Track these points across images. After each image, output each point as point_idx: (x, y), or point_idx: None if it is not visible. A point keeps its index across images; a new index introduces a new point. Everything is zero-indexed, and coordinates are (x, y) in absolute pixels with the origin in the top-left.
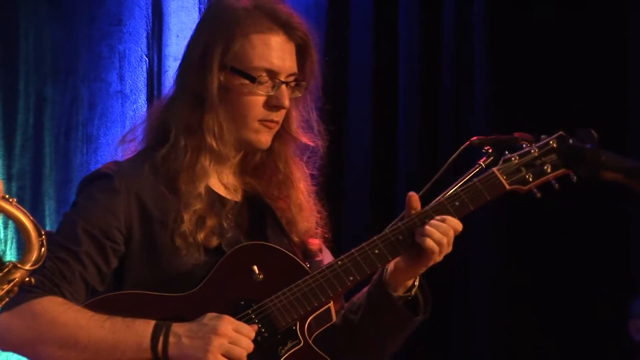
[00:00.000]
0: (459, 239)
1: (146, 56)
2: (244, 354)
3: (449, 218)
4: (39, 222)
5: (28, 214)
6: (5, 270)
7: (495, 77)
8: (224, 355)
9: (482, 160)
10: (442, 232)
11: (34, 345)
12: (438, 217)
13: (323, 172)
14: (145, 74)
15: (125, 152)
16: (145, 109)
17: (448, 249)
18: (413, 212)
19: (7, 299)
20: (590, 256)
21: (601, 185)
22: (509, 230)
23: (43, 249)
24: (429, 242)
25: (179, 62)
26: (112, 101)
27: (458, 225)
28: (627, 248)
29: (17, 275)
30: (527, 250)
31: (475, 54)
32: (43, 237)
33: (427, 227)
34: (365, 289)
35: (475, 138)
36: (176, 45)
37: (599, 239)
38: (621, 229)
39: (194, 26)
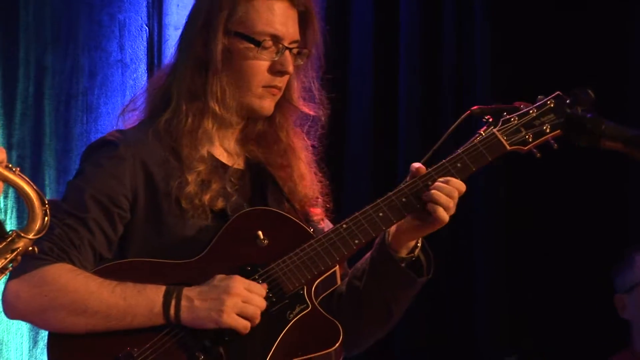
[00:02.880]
0: (461, 199)
1: (146, 25)
2: (258, 312)
3: (453, 179)
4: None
5: (31, 183)
6: (9, 240)
7: (498, 36)
8: (238, 315)
9: (482, 129)
10: (447, 195)
11: (44, 311)
12: (441, 179)
13: (324, 141)
14: (145, 43)
15: (127, 122)
16: (145, 78)
17: (453, 211)
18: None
19: (10, 269)
20: (590, 215)
21: (601, 153)
22: (508, 192)
23: (46, 219)
24: (436, 208)
25: (179, 31)
26: (112, 70)
27: (462, 187)
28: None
29: (21, 245)
30: (527, 212)
31: (476, 16)
32: (47, 206)
33: (432, 191)
34: (367, 255)
35: (475, 107)
36: (176, 15)
37: (598, 199)
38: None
39: None
